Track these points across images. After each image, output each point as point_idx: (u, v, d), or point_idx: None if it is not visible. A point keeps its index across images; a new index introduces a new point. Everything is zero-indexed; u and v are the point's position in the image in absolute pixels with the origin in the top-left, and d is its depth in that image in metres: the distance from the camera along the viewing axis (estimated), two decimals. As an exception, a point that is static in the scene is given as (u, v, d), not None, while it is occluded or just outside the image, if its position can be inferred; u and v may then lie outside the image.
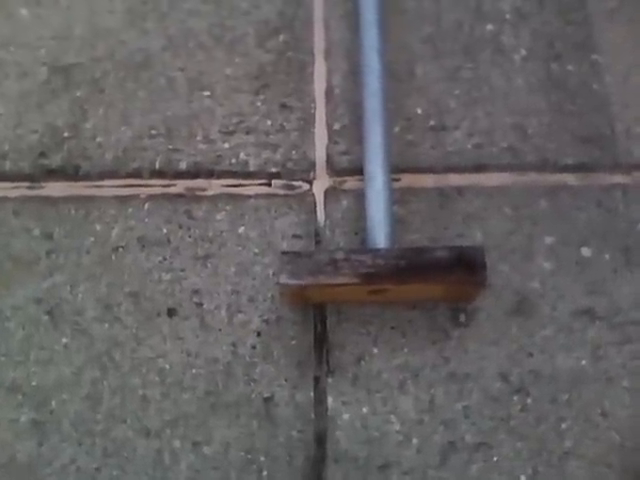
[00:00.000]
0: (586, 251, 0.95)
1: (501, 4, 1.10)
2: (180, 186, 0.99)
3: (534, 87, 1.04)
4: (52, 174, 1.00)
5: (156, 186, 0.99)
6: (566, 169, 0.99)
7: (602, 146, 1.01)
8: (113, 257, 0.95)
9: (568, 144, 1.01)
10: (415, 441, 0.86)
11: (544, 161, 1.00)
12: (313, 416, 0.88)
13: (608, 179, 0.99)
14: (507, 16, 1.09)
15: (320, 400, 0.88)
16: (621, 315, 0.91)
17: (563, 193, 0.98)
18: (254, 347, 0.91)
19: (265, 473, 0.85)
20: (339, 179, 0.99)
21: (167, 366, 0.90)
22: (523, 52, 1.06)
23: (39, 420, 0.88)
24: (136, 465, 0.86)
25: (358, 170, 0.97)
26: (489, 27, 1.08)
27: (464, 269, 0.83)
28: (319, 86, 1.05)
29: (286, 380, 0.89)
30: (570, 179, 0.99)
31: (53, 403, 0.89)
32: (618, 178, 0.99)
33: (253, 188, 0.99)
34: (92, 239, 0.96)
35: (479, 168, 1.00)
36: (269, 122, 1.03)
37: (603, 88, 1.04)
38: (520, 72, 1.05)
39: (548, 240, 0.95)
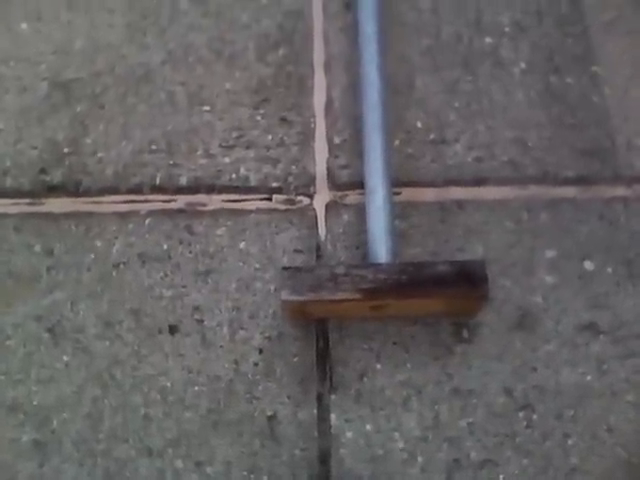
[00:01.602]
0: (588, 264, 0.95)
1: (500, 17, 1.10)
2: (180, 201, 0.99)
3: (534, 100, 1.04)
4: (53, 190, 1.00)
5: (156, 202, 0.99)
6: (567, 182, 0.99)
7: (603, 159, 1.00)
8: (114, 273, 0.95)
9: (568, 157, 1.01)
10: (420, 459, 0.86)
11: (545, 174, 1.00)
12: (316, 434, 0.87)
13: (609, 192, 0.99)
14: (506, 29, 1.09)
15: (323, 418, 0.88)
16: (624, 329, 0.91)
17: (564, 206, 0.98)
18: (256, 364, 0.90)
19: (268, 492, 0.85)
20: (340, 193, 0.99)
21: (169, 384, 0.89)
22: (522, 65, 1.06)
23: (40, 440, 0.87)
24: (138, 485, 0.86)
25: (359, 184, 0.97)
26: (488, 40, 1.08)
27: (465, 283, 0.83)
28: (319, 100, 1.05)
29: (289, 397, 0.89)
30: (571, 192, 0.99)
31: (54, 422, 0.88)
32: (619, 191, 0.99)
33: (254, 203, 0.99)
34: (93, 255, 0.96)
35: (480, 181, 0.99)
36: (269, 136, 1.02)
37: (603, 101, 1.04)
38: (520, 85, 1.05)
39: (550, 254, 0.95)
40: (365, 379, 0.89)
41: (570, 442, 0.86)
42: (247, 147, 1.02)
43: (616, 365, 0.89)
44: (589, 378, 0.89)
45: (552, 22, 1.09)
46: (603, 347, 0.90)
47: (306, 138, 1.03)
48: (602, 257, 0.95)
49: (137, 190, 1.00)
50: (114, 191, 1.00)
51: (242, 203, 0.99)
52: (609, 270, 0.94)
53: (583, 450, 0.86)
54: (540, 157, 1.01)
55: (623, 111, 1.03)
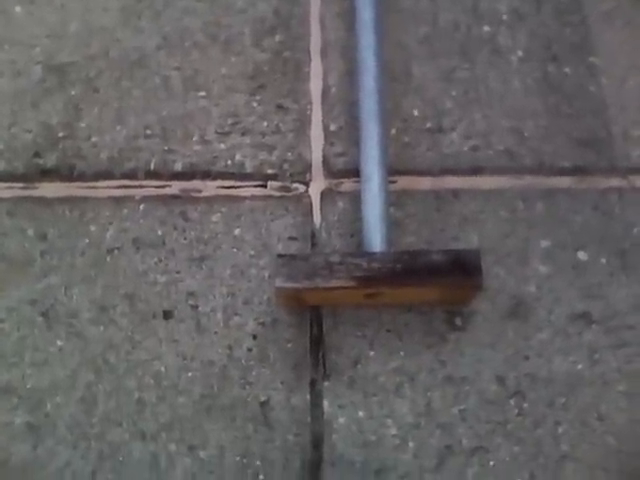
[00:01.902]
0: (582, 255, 0.95)
1: (498, 5, 1.09)
2: (175, 187, 0.99)
3: (531, 89, 1.04)
4: (47, 174, 0.99)
5: (151, 187, 0.99)
6: (562, 172, 0.99)
7: (598, 149, 1.01)
8: (108, 259, 0.95)
9: (564, 147, 1.01)
10: (412, 445, 0.86)
11: (540, 164, 1.00)
12: (309, 420, 0.87)
13: (604, 182, 0.99)
14: (504, 17, 1.08)
15: (316, 403, 0.88)
16: (617, 319, 0.91)
17: (559, 196, 0.98)
18: (250, 350, 0.90)
19: (261, 477, 0.85)
20: (335, 181, 0.99)
21: (162, 369, 0.90)
22: (520, 53, 1.06)
23: (34, 423, 0.88)
24: (132, 469, 0.86)
25: (354, 172, 0.97)
26: (486, 28, 1.08)
27: (460, 273, 0.83)
28: (315, 86, 1.05)
29: (282, 383, 0.89)
30: (566, 182, 0.99)
31: (48, 406, 0.88)
32: (614, 181, 0.99)
33: (249, 190, 0.99)
34: (87, 240, 0.96)
35: (475, 171, 0.99)
36: (265, 123, 1.02)
37: (600, 91, 1.04)
38: (517, 74, 1.05)
39: (544, 243, 0.95)
40: (358, 366, 0.90)
41: (561, 430, 0.87)
42: (243, 133, 1.02)
43: (608, 355, 0.90)
44: (581, 367, 0.89)
45: (550, 11, 1.09)
46: (595, 337, 0.91)
47: (302, 125, 1.02)
48: (596, 247, 0.95)
49: (132, 175, 0.99)
50: (108, 176, 0.99)
51: (237, 189, 0.99)
52: (603, 260, 0.95)
53: (574, 438, 0.86)
54: (536, 147, 1.01)
55: (620, 101, 1.03)
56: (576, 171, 1.00)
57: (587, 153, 1.00)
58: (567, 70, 1.05)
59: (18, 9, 1.09)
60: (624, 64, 1.06)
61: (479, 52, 1.06)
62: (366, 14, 0.99)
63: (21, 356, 0.90)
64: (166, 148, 1.01)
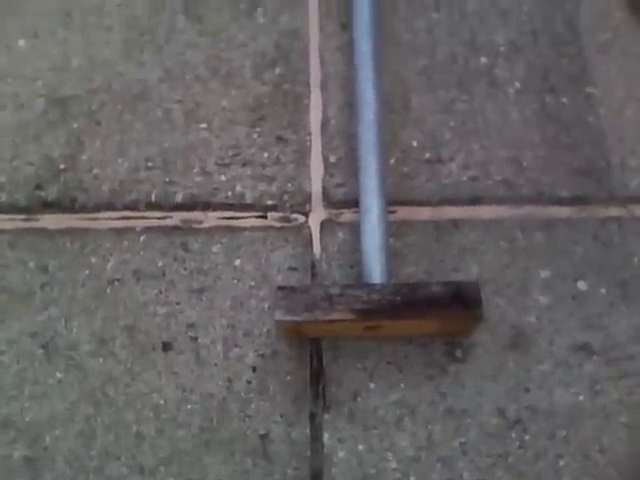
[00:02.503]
0: (582, 285, 0.95)
1: (495, 37, 1.10)
2: (176, 218, 0.99)
3: (529, 120, 1.04)
4: (48, 206, 1.00)
5: (152, 218, 0.99)
6: (561, 202, 1.00)
7: (597, 179, 1.01)
8: (108, 290, 0.95)
9: (563, 177, 1.01)
10: (412, 479, 0.85)
11: (539, 194, 1.00)
12: (309, 453, 0.87)
13: (603, 212, 0.99)
14: (501, 49, 1.09)
15: (316, 437, 0.87)
16: (618, 350, 0.91)
17: (559, 226, 0.98)
18: (249, 382, 0.90)
19: (260, 512, 0.85)
20: (335, 211, 0.99)
21: (162, 402, 0.89)
22: (517, 85, 1.07)
23: (32, 456, 0.87)
24: (130, 503, 0.85)
25: (354, 202, 0.97)
26: (483, 60, 1.09)
27: (460, 305, 0.83)
28: (315, 118, 1.05)
29: (282, 416, 0.88)
30: (566, 212, 0.99)
31: (47, 439, 0.88)
32: (614, 211, 0.99)
33: (249, 220, 0.99)
34: (87, 272, 0.96)
35: (475, 201, 1.00)
36: (265, 154, 1.03)
37: (598, 121, 1.04)
38: (515, 105, 1.06)
39: (544, 274, 0.95)
40: (358, 398, 0.89)
41: (562, 463, 0.86)
42: (243, 165, 1.02)
43: (609, 386, 0.89)
44: (582, 399, 0.89)
45: (547, 42, 1.10)
46: (596, 368, 0.90)
47: (302, 156, 1.03)
48: (596, 277, 0.95)
49: (133, 207, 1.00)
50: (110, 207, 1.00)
51: (237, 220, 0.99)
52: (603, 291, 0.94)
53: (575, 471, 0.86)
54: (535, 177, 1.01)
55: (618, 131, 1.04)
56: (575, 201, 1.00)
57: (586, 183, 1.01)
58: (565, 101, 1.06)
59: (22, 43, 1.10)
60: (621, 94, 1.06)
61: (477, 84, 1.07)
62: (365, 47, 1.00)
63: (20, 389, 0.90)
64: (167, 180, 1.01)
